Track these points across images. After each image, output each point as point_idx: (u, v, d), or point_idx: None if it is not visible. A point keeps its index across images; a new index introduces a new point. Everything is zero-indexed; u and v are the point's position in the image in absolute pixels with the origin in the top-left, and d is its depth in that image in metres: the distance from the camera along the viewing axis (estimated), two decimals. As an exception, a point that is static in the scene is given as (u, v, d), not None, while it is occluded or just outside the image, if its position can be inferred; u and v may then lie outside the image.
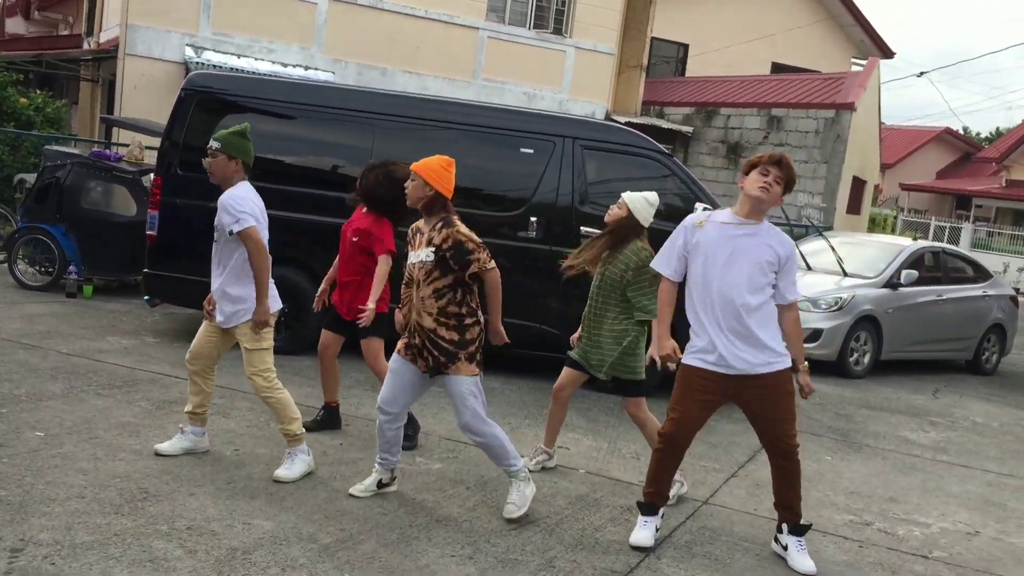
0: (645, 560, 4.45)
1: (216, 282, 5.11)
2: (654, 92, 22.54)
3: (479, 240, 4.63)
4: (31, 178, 11.56)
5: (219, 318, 5.10)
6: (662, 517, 4.75)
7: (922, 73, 28.71)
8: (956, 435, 8.22)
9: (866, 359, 10.75)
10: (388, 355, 5.13)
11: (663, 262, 4.66)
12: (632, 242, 5.41)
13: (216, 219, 5.02)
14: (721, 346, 4.40)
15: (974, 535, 5.45)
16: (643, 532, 4.63)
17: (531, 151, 8.17)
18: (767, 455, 4.68)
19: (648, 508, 4.69)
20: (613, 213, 5.52)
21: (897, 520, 5.53)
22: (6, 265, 10.60)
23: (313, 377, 7.42)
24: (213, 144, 5.00)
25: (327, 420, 6.10)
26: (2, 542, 3.85)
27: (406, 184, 4.74)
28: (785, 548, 4.65)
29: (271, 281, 5.11)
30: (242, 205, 4.91)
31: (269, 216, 5.17)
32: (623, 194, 5.56)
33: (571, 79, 20.03)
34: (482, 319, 4.75)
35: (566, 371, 5.65)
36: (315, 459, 5.32)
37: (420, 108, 8.33)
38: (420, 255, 4.62)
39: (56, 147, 11.61)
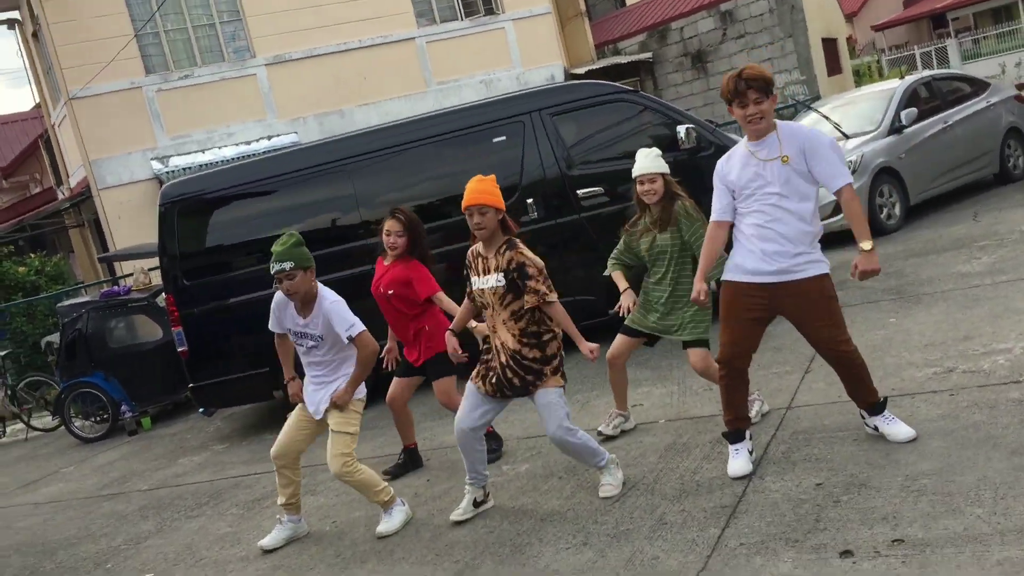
0: (750, 485, 4.45)
1: (313, 378, 5.21)
2: (603, 32, 22.39)
3: (541, 266, 4.64)
4: (55, 338, 11.76)
5: (311, 408, 5.20)
6: (751, 439, 4.75)
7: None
8: (1007, 251, 8.10)
9: (896, 210, 10.62)
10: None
11: (716, 210, 4.61)
12: (678, 203, 5.38)
13: (312, 330, 5.07)
14: (757, 257, 4.44)
15: (1057, 342, 5.38)
16: (738, 461, 4.64)
17: (503, 137, 8.17)
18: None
19: (734, 435, 4.71)
20: (654, 188, 5.39)
21: (978, 356, 5.47)
22: (63, 428, 10.79)
23: (380, 427, 7.49)
24: (285, 265, 4.90)
25: (409, 462, 6.17)
26: None
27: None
28: (876, 429, 4.63)
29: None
30: (346, 308, 5.05)
31: None
32: (641, 165, 5.42)
33: (519, 52, 19.96)
34: (560, 333, 4.79)
35: (621, 339, 5.68)
36: (408, 501, 5.38)
37: (384, 137, 8.36)
38: (490, 281, 4.68)
39: (68, 302, 11.80)
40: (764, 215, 4.44)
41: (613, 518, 4.47)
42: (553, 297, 4.63)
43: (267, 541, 5.33)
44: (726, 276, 4.61)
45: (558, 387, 4.73)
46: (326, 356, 5.14)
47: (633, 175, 5.46)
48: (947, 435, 4.40)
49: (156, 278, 12.23)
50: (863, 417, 4.70)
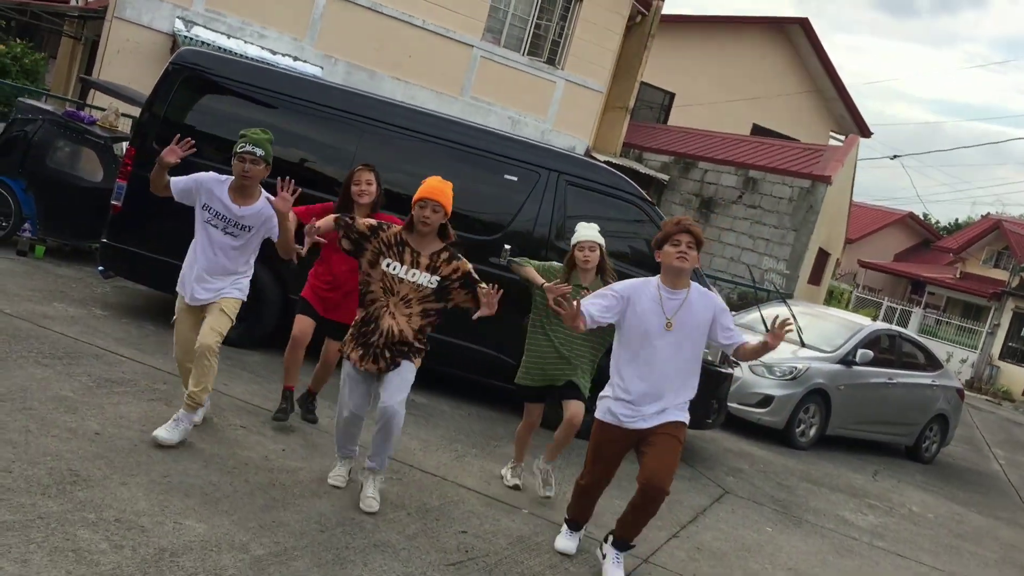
0: (582, 614, 4.34)
1: (207, 264, 5.25)
2: (636, 135, 22.66)
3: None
4: (-2, 127, 11.23)
5: (205, 295, 5.27)
6: (584, 532, 5.24)
7: (895, 156, 29.22)
8: (893, 521, 8.24)
9: (812, 431, 10.79)
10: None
11: (595, 312, 4.65)
12: (608, 272, 5.82)
13: (244, 220, 5.22)
14: (639, 404, 4.68)
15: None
16: (568, 541, 5.13)
17: (515, 178, 8.10)
18: (639, 491, 4.73)
19: (573, 524, 5.16)
20: (592, 257, 5.73)
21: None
22: (-42, 212, 10.23)
23: (261, 373, 7.23)
24: (257, 151, 5.09)
25: (294, 405, 6.19)
26: (-83, 510, 3.64)
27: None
28: (604, 557, 4.92)
29: (246, 274, 5.40)
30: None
31: None
32: (584, 234, 5.78)
33: (557, 110, 20.06)
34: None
35: (532, 409, 5.96)
36: (256, 461, 5.17)
37: (410, 119, 8.21)
38: (419, 277, 4.78)
39: (29, 100, 11.29)
40: (652, 368, 4.66)
41: (442, 579, 4.32)
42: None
43: (162, 432, 5.08)
44: (599, 415, 4.84)
45: (416, 367, 4.92)
46: (239, 252, 5.27)
47: (573, 242, 5.81)
48: (778, 663, 4.36)
49: (125, 126, 11.81)
50: (604, 540, 5.00)
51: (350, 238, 4.83)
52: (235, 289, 5.33)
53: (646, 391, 4.66)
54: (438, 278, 4.79)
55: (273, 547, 4.17)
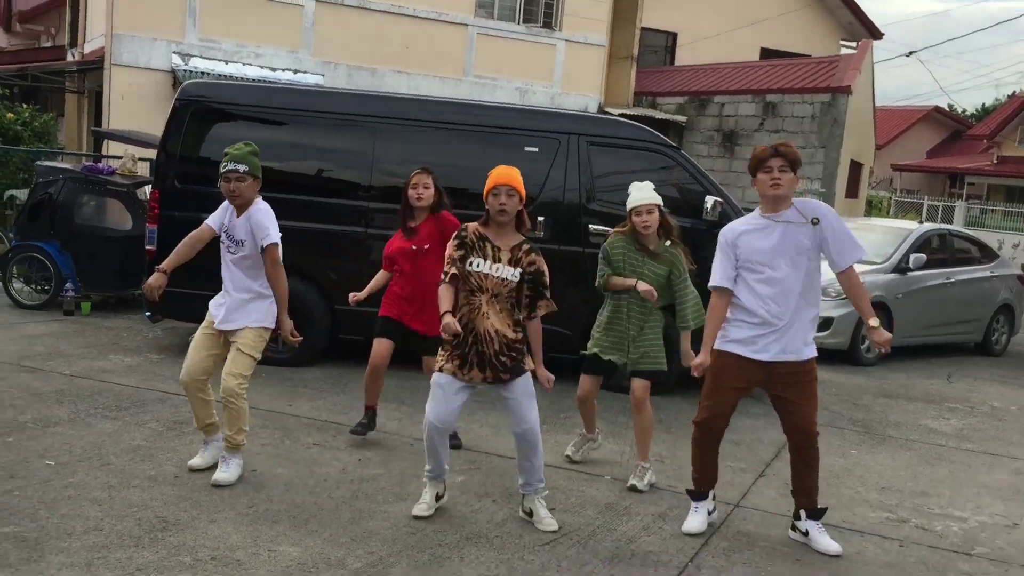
0: (684, 571, 4.30)
1: (229, 285, 5.11)
2: (645, 82, 22.37)
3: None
4: (22, 194, 11.39)
5: (219, 316, 5.10)
6: (714, 500, 4.91)
7: (911, 53, 28.53)
8: (977, 421, 8.10)
9: (877, 346, 10.62)
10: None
11: (721, 277, 4.64)
12: (661, 241, 5.46)
13: (236, 233, 5.03)
14: (759, 335, 4.53)
15: (1012, 527, 5.32)
16: (696, 518, 4.81)
17: (535, 149, 8.01)
18: (788, 441, 4.70)
19: (697, 494, 4.86)
20: (651, 219, 5.37)
21: (933, 515, 5.40)
22: (1, 285, 10.39)
23: (323, 388, 7.27)
24: (240, 167, 4.92)
25: (370, 423, 6.04)
26: (20, 583, 3.69)
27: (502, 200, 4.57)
28: (806, 534, 4.70)
29: (262, 295, 5.15)
30: (270, 219, 5.03)
31: (284, 227, 5.20)
32: (638, 197, 5.42)
33: (562, 73, 19.87)
34: None
35: (589, 379, 5.66)
36: (335, 475, 5.20)
37: (421, 110, 8.16)
38: (504, 272, 4.58)
39: (47, 163, 11.40)
40: (768, 288, 4.50)
41: (540, 560, 4.30)
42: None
43: (197, 460, 5.20)
44: (720, 345, 4.65)
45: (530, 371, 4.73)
46: (248, 267, 5.06)
47: (628, 207, 5.45)
48: (891, 585, 4.29)
49: (142, 169, 11.90)
50: (795, 518, 4.78)
51: (462, 277, 4.62)
52: (252, 319, 5.07)
53: (768, 318, 4.51)
54: (520, 270, 4.60)
55: (368, 558, 4.19)
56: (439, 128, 7.99)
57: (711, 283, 4.67)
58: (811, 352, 4.58)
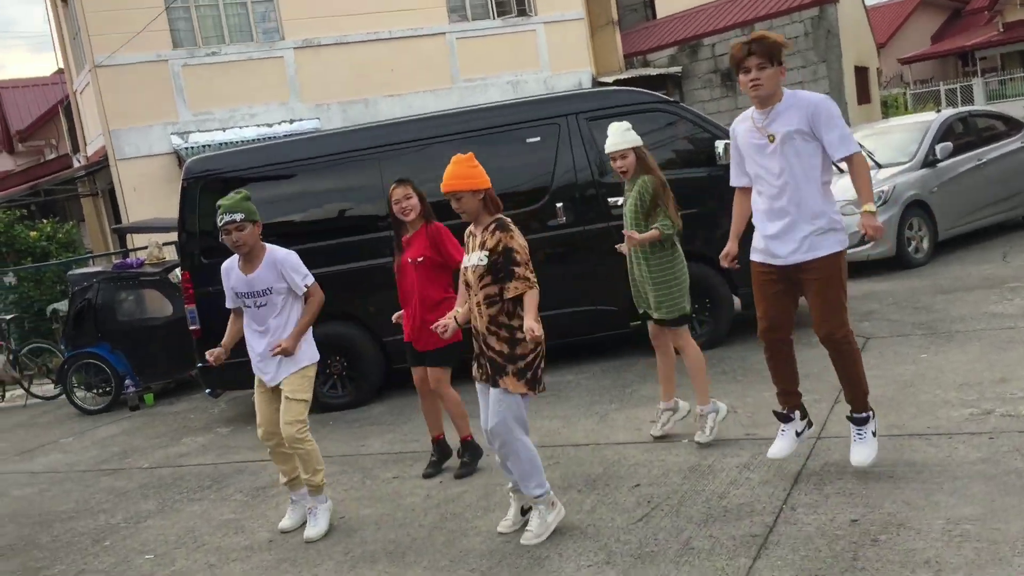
0: (781, 515, 4.29)
1: (262, 344, 5.12)
2: (632, 43, 22.25)
3: (528, 251, 4.44)
4: (63, 306, 11.64)
5: (267, 377, 5.14)
6: (804, 420, 4.82)
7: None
8: (1042, 294, 7.95)
9: (924, 244, 10.47)
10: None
11: (734, 177, 4.73)
12: (640, 178, 5.47)
13: (257, 285, 5.05)
14: (770, 237, 4.50)
15: (1100, 392, 5.22)
16: (780, 442, 4.74)
17: (538, 138, 8.03)
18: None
19: (781, 415, 4.79)
20: (626, 164, 5.44)
21: (1017, 400, 5.31)
22: (64, 397, 10.64)
23: (389, 421, 7.35)
24: (236, 216, 4.95)
25: (441, 456, 5.94)
26: None
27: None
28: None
29: (309, 332, 5.21)
30: (299, 260, 5.14)
31: (315, 275, 5.24)
32: (609, 144, 5.49)
33: (548, 55, 19.83)
34: (541, 343, 4.42)
35: (650, 324, 5.68)
36: (420, 504, 5.25)
37: (418, 128, 8.21)
38: (472, 258, 4.47)
39: (79, 270, 11.66)
40: (771, 189, 4.47)
41: (636, 538, 4.32)
42: (534, 280, 4.37)
43: (286, 523, 5.29)
44: (751, 256, 4.66)
45: (519, 393, 4.38)
46: (277, 315, 5.07)
47: (606, 151, 5.53)
48: (989, 480, 4.24)
49: (170, 253, 12.11)
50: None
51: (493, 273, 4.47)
52: (293, 367, 5.07)
53: (773, 217, 4.46)
54: (486, 253, 4.37)
55: (469, 575, 4.23)
56: (438, 143, 8.02)
57: (731, 182, 4.77)
58: (821, 251, 4.40)
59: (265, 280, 5.05)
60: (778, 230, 4.46)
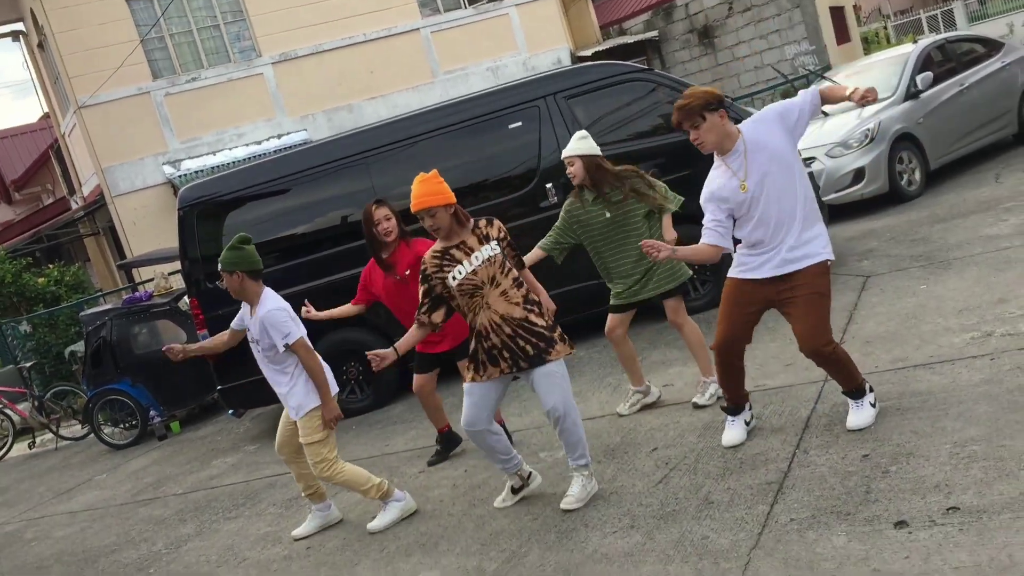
0: (795, 459, 4.41)
1: (276, 383, 5.23)
2: (607, 13, 22.25)
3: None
4: (80, 348, 11.82)
5: (292, 414, 5.23)
6: (749, 410, 4.92)
7: None
8: (1035, 211, 8.01)
9: (917, 176, 10.52)
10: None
11: (718, 238, 4.50)
12: (608, 180, 5.51)
13: (256, 334, 5.12)
14: (753, 256, 4.52)
15: (1096, 301, 5.31)
16: (731, 432, 4.85)
17: (519, 123, 8.11)
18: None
19: (730, 410, 4.90)
20: (575, 171, 5.57)
21: (1016, 318, 5.40)
22: (93, 436, 10.83)
23: (409, 419, 7.48)
24: (219, 266, 5.14)
25: (447, 444, 6.18)
26: None
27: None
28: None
29: (295, 376, 5.17)
30: (283, 317, 5.04)
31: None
32: (567, 148, 5.63)
33: (525, 37, 19.86)
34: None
35: (610, 316, 5.78)
36: (448, 494, 5.38)
37: (401, 129, 8.31)
38: (485, 253, 4.56)
39: (91, 310, 11.84)
40: (765, 227, 4.45)
41: (658, 500, 4.44)
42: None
43: (298, 530, 5.48)
44: (731, 273, 4.66)
45: (567, 356, 4.63)
46: (272, 358, 5.14)
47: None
48: (992, 400, 4.34)
49: (176, 282, 12.26)
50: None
51: (440, 306, 4.70)
52: (299, 412, 5.16)
53: (756, 242, 4.50)
54: (496, 241, 4.61)
55: (502, 556, 4.37)
56: (425, 139, 8.13)
57: (705, 239, 4.51)
58: (805, 262, 4.44)
59: (255, 329, 5.12)
60: (764, 250, 4.50)
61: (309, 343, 5.15)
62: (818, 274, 4.46)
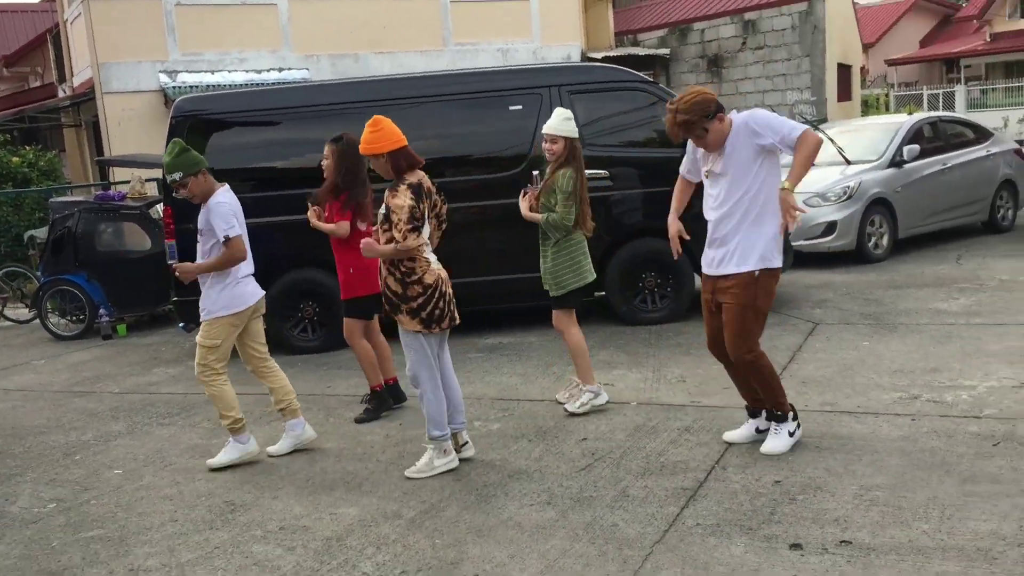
0: (712, 473, 4.65)
1: (202, 281, 5.38)
2: (624, 21, 22.44)
3: (406, 212, 4.75)
4: (41, 233, 11.79)
5: (202, 315, 5.41)
6: (766, 419, 5.04)
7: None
8: (986, 296, 8.35)
9: (884, 241, 10.86)
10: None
11: (685, 169, 5.04)
12: (561, 171, 5.65)
13: (203, 222, 5.28)
14: (709, 249, 4.84)
15: (1020, 387, 5.61)
16: (738, 430, 5.10)
17: (520, 107, 8.28)
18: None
19: (750, 411, 5.12)
20: (554, 148, 5.64)
21: (944, 388, 5.70)
22: (38, 321, 10.84)
23: (356, 369, 7.62)
24: (176, 176, 5.23)
25: (382, 402, 6.29)
26: (114, 575, 4.09)
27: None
28: (760, 432, 5.00)
29: (251, 276, 5.43)
30: (228, 211, 5.24)
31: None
32: (546, 124, 5.69)
33: (540, 27, 19.98)
34: (439, 286, 4.92)
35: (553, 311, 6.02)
36: (380, 442, 5.56)
37: (406, 86, 8.44)
38: (380, 211, 4.96)
39: (61, 199, 11.81)
40: (711, 204, 4.78)
41: (578, 484, 4.66)
42: (405, 245, 4.75)
43: (273, 448, 5.61)
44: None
45: (414, 331, 4.92)
46: (210, 254, 5.29)
47: (542, 131, 5.74)
48: (904, 455, 4.61)
49: (151, 189, 12.27)
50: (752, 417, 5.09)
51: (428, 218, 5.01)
52: (205, 313, 5.37)
53: (711, 232, 4.79)
54: (385, 206, 4.90)
55: (421, 507, 4.56)
56: (425, 103, 8.26)
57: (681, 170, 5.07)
58: (736, 267, 4.65)
59: (202, 220, 5.30)
60: (714, 242, 4.80)
61: (246, 248, 5.27)
62: (744, 284, 4.67)
